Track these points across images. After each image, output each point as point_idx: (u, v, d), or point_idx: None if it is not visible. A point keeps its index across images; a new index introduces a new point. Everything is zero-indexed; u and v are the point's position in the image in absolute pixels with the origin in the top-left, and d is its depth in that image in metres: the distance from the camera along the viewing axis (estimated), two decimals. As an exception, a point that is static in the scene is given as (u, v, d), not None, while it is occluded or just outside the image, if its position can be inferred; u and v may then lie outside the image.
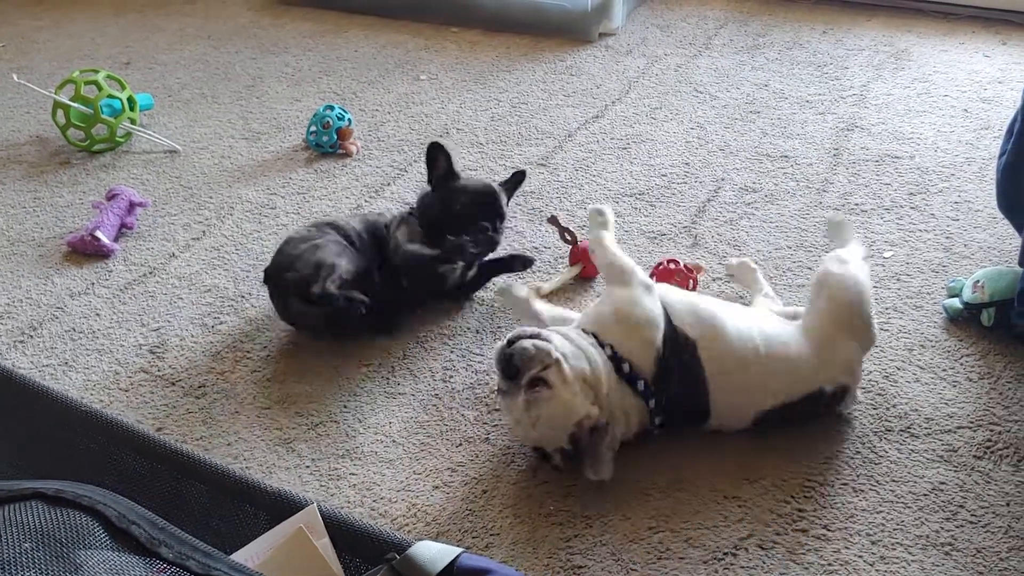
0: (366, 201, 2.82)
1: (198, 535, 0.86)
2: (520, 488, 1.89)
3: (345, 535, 0.83)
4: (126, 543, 0.74)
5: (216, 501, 0.90)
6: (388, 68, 3.68)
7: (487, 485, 1.90)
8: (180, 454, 0.93)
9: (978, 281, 2.18)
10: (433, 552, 0.77)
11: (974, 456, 1.89)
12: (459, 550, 0.79)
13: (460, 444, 1.99)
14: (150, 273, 2.58)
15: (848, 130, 3.05)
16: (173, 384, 2.19)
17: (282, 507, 0.86)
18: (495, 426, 2.03)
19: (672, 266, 2.32)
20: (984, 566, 1.69)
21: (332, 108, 3.06)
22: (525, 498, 1.87)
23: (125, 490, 0.85)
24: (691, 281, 2.31)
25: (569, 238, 2.46)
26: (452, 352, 2.23)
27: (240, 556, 0.81)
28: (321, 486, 1.92)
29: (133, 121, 3.19)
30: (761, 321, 1.96)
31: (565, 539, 1.79)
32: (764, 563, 1.71)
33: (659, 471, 1.89)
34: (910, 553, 1.72)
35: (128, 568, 0.73)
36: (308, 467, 1.97)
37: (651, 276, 2.31)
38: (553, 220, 2.50)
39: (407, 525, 1.83)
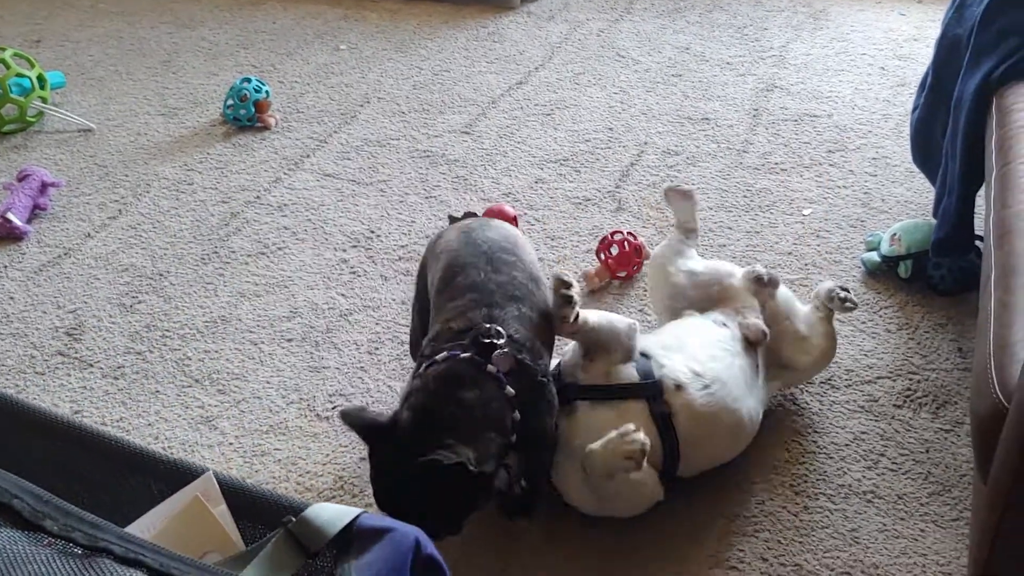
0: (285, 174, 2.77)
1: (97, 509, 0.83)
2: (447, 456, 1.87)
3: (242, 501, 0.81)
4: (8, 518, 0.72)
5: (112, 474, 0.87)
6: (307, 39, 3.62)
7: (414, 454, 1.88)
8: (73, 427, 0.90)
9: (895, 234, 2.21)
10: (331, 513, 0.75)
11: (894, 405, 1.92)
12: (358, 511, 0.77)
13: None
14: (65, 254, 2.51)
15: (768, 90, 3.07)
16: (91, 366, 2.14)
17: (179, 476, 0.84)
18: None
19: (616, 244, 2.30)
20: (906, 512, 1.72)
21: (249, 81, 3.00)
22: (452, 465, 1.85)
23: (19, 468, 0.82)
24: (635, 265, 2.30)
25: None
26: (378, 324, 2.21)
27: (136, 527, 0.79)
28: (245, 463, 1.89)
29: (44, 100, 3.09)
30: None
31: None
32: (690, 516, 1.72)
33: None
34: (833, 502, 1.74)
35: (11, 544, 0.70)
36: (231, 444, 1.93)
37: (597, 252, 2.31)
38: (451, 221, 2.43)
39: (335, 498, 1.81)
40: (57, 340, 2.22)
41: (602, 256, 2.30)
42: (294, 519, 0.75)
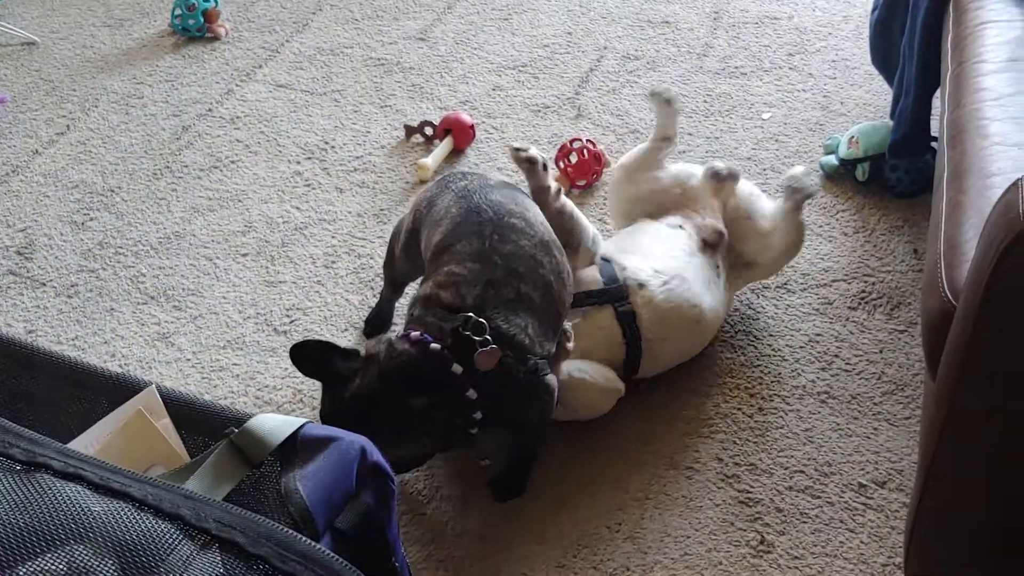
0: (237, 85, 2.70)
1: (41, 428, 0.82)
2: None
3: (186, 414, 0.81)
4: (-56, 436, 0.71)
5: (56, 391, 0.86)
6: (256, -55, 3.50)
7: (374, 366, 1.88)
8: (13, 345, 0.89)
9: (853, 137, 2.21)
10: (274, 424, 0.75)
11: (849, 307, 1.94)
12: (302, 420, 0.77)
13: (346, 329, 1.97)
14: (13, 172, 2.45)
15: (729, -8, 3.02)
16: (43, 285, 2.11)
17: (121, 391, 0.83)
18: (380, 307, 2.01)
19: (575, 152, 2.28)
20: (859, 411, 1.75)
21: (197, -11, 2.91)
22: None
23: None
24: (594, 173, 2.28)
25: (428, 128, 2.42)
26: (334, 238, 2.18)
27: (79, 443, 0.78)
28: (203, 378, 1.88)
29: (-17, 11, 2.99)
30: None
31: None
32: (647, 420, 1.74)
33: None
34: (787, 403, 1.77)
35: (-53, 462, 0.69)
36: (189, 360, 1.92)
37: (556, 160, 2.28)
38: (407, 131, 2.45)
39: (293, 411, 1.81)
40: (8, 260, 2.18)
41: (561, 164, 2.28)
42: (236, 430, 0.75)
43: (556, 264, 1.56)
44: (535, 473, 1.67)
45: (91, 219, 2.28)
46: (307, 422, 0.77)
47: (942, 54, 1.85)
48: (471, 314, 1.44)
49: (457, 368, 1.42)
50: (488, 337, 1.43)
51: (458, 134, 2.40)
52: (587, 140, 2.29)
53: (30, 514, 0.64)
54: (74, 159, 2.48)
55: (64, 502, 0.65)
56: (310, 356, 1.43)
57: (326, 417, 1.45)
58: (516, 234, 1.53)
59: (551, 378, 1.53)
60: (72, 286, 2.10)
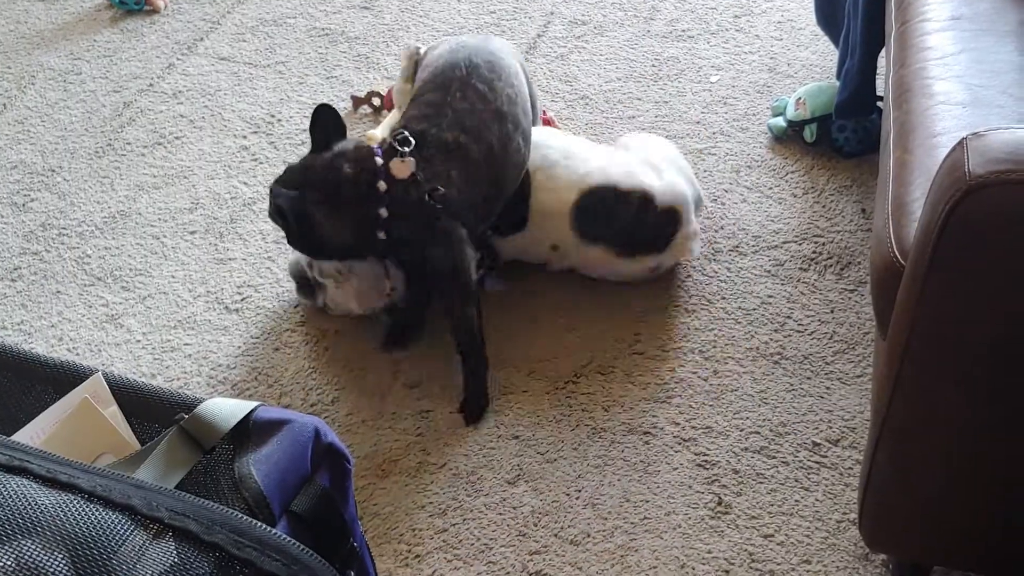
0: (178, 59, 2.64)
1: (-14, 419, 0.80)
2: (364, 341, 1.87)
3: (134, 400, 0.79)
4: None
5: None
6: (193, -86, 3.41)
7: (329, 341, 1.87)
8: (-49, 335, 0.86)
9: (800, 98, 2.22)
10: (225, 408, 0.74)
11: (800, 268, 1.96)
12: (254, 404, 0.76)
13: (298, 305, 1.95)
14: (-52, 154, 2.38)
15: (674, -45, 3.01)
16: (-15, 269, 2.06)
17: (66, 378, 0.81)
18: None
19: None
20: (811, 371, 1.77)
21: (133, -40, 2.83)
22: (369, 351, 1.85)
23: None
24: None
25: (376, 99, 2.40)
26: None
27: (23, 435, 0.76)
28: (155, 360, 1.86)
29: (-91, -12, 2.89)
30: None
31: (411, 386, 1.79)
32: (604, 387, 1.75)
33: (500, 311, 1.90)
34: (741, 365, 1.78)
35: None
36: (139, 341, 1.89)
37: None
38: (355, 102, 2.42)
39: (248, 389, 1.79)
40: (-53, 244, 2.13)
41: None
42: (186, 416, 0.73)
43: (504, 134, 1.71)
44: (494, 445, 1.68)
45: (32, 200, 2.23)
46: (259, 405, 0.76)
47: (886, 14, 1.86)
48: (403, 129, 1.66)
49: (381, 184, 1.63)
50: (406, 150, 1.63)
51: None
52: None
53: (-25, 510, 0.62)
54: (12, 139, 2.42)
55: (10, 496, 0.63)
56: (325, 122, 1.70)
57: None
58: (477, 97, 1.70)
59: (461, 231, 1.67)
60: (15, 269, 2.06)
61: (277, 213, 1.68)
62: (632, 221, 1.82)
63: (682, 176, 1.90)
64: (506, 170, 1.72)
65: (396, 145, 1.63)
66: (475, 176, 1.67)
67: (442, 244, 1.66)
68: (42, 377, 0.83)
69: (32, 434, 0.75)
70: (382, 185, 1.63)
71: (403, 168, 1.62)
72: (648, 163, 1.89)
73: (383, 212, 1.64)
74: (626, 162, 1.88)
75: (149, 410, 0.79)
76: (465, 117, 1.68)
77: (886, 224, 1.30)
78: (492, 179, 1.70)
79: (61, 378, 0.81)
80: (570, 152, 1.87)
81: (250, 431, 0.74)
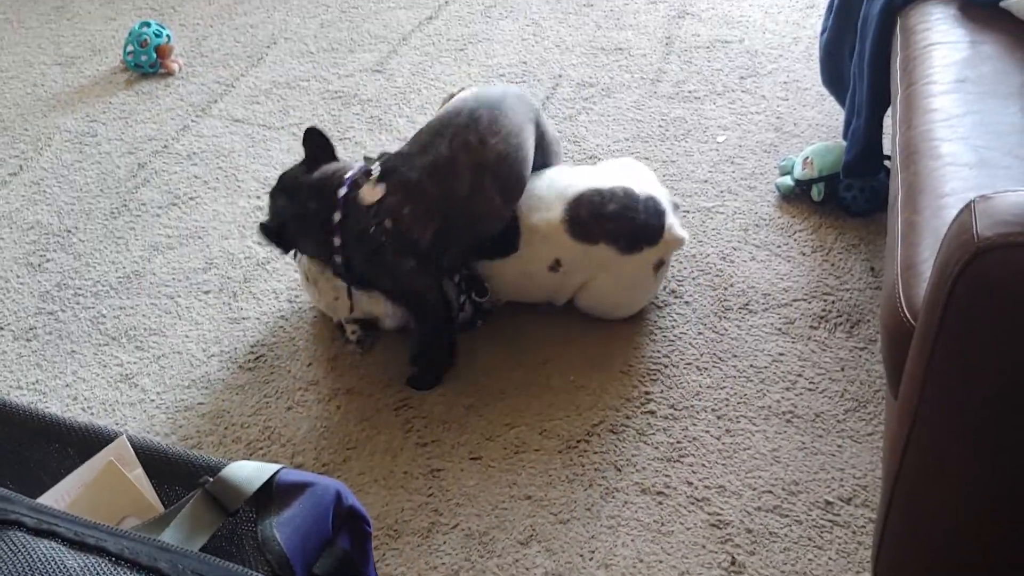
0: (193, 121, 2.69)
1: (8, 482, 0.81)
2: (375, 400, 1.87)
3: (159, 463, 0.80)
4: (-88, 496, 0.69)
5: (22, 444, 0.85)
6: (208, -21, 3.49)
7: (341, 401, 1.88)
8: (-20, 399, 0.88)
9: (807, 158, 2.24)
10: (249, 471, 0.74)
11: (810, 326, 1.97)
12: (277, 466, 0.77)
13: (311, 363, 1.96)
14: (-35, 214, 2.42)
15: (679, 17, 3.06)
16: (1, 329, 2.08)
17: (91, 442, 0.82)
18: (346, 342, 2.00)
19: None
20: (823, 429, 1.77)
21: (149, 25, 2.89)
22: (381, 409, 1.86)
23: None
24: None
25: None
26: (297, 272, 2.17)
27: (49, 497, 0.77)
28: (169, 419, 1.86)
29: (-70, 52, 2.95)
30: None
31: (423, 444, 1.79)
32: (616, 446, 1.75)
33: (511, 368, 1.91)
34: (754, 424, 1.79)
35: (-84, 522, 0.68)
36: (153, 401, 1.90)
37: None
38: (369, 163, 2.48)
39: (261, 448, 1.80)
40: (-37, 304, 2.15)
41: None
42: (211, 479, 0.74)
43: (477, 186, 1.79)
44: (507, 505, 1.67)
45: (48, 260, 2.25)
46: (282, 467, 0.77)
47: (891, 75, 1.89)
48: (378, 161, 1.83)
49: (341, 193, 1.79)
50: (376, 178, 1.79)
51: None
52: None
53: (4, 574, 0.63)
54: (28, 200, 2.45)
55: (39, 560, 0.64)
56: (313, 143, 1.88)
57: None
58: (462, 147, 1.79)
59: (409, 263, 1.79)
60: (31, 329, 2.08)
61: (264, 234, 1.90)
62: (622, 213, 1.88)
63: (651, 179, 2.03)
64: (470, 219, 1.83)
65: (365, 176, 1.81)
66: (427, 217, 1.78)
67: (389, 274, 1.82)
68: (66, 439, 0.85)
69: (58, 496, 0.76)
70: (336, 216, 1.79)
71: (374, 193, 1.78)
72: (619, 169, 2.02)
73: (336, 240, 1.80)
74: (599, 171, 2.00)
75: (173, 472, 0.80)
76: (441, 164, 1.78)
77: (896, 284, 1.32)
78: (448, 224, 1.80)
79: (85, 440, 0.82)
80: (551, 177, 1.96)
81: (273, 494, 0.75)
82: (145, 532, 0.70)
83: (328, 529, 0.76)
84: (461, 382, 1.89)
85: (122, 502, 0.76)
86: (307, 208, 1.84)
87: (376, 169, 1.81)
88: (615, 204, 1.89)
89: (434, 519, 1.67)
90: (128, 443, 0.80)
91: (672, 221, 1.93)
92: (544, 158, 1.99)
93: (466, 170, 1.78)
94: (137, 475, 0.78)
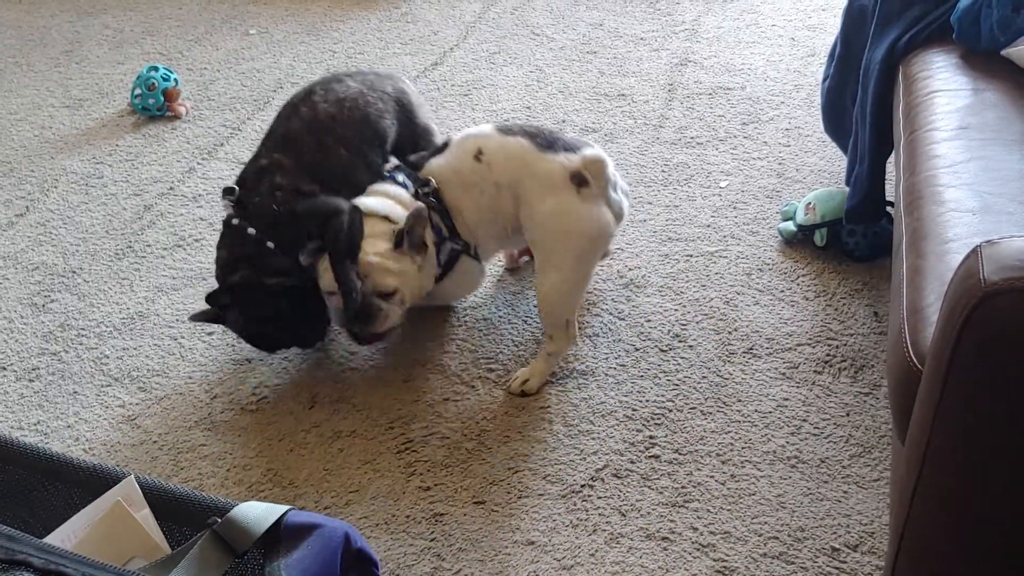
0: (199, 164, 2.71)
1: (15, 522, 0.81)
2: (378, 443, 1.86)
3: (166, 504, 0.79)
4: (-80, 535, 0.69)
5: (30, 484, 0.85)
6: (215, 24, 3.54)
7: (344, 443, 1.87)
8: (-11, 439, 0.87)
9: (810, 203, 2.25)
10: (257, 512, 0.74)
11: (814, 371, 1.97)
12: (285, 508, 0.76)
13: (313, 406, 1.95)
14: (-30, 255, 2.42)
15: (682, 65, 3.10)
16: (3, 369, 2.08)
17: (98, 482, 0.81)
18: (349, 384, 2.00)
19: None
20: (829, 475, 1.76)
21: (156, 69, 2.92)
22: (383, 452, 1.85)
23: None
24: None
25: None
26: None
27: (56, 537, 0.77)
28: (171, 460, 1.85)
29: (-61, 94, 2.98)
30: None
31: (425, 488, 1.78)
32: (620, 492, 1.74)
33: (513, 414, 1.90)
34: (759, 469, 1.78)
35: (-77, 562, 0.68)
36: (156, 442, 1.89)
37: None
38: None
39: (263, 491, 1.79)
40: (-33, 344, 2.15)
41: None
42: (219, 520, 0.74)
43: (326, 148, 1.96)
44: (510, 551, 1.66)
45: (52, 301, 2.25)
46: (290, 509, 0.77)
47: (894, 122, 1.91)
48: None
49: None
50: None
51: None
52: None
53: (11, 614, 0.62)
54: (34, 240, 2.46)
55: (46, 601, 0.64)
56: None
57: None
58: (296, 116, 2.00)
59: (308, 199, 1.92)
60: (33, 369, 2.07)
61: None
62: (550, 131, 2.01)
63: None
64: (334, 173, 1.96)
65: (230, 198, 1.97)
66: (301, 178, 1.93)
67: (308, 217, 1.92)
68: (73, 479, 0.84)
69: (64, 536, 0.75)
70: (251, 232, 1.92)
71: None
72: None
73: (272, 249, 1.93)
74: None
75: (180, 513, 0.79)
76: (288, 136, 1.98)
77: (902, 329, 1.32)
78: (325, 182, 1.94)
79: (92, 481, 0.82)
80: None
81: (281, 535, 0.74)
82: (152, 573, 0.70)
83: (336, 571, 0.76)
84: (464, 426, 1.88)
85: (129, 542, 0.76)
86: (246, 255, 1.90)
87: (230, 189, 1.95)
88: (546, 127, 2.03)
89: (436, 564, 1.65)
90: (136, 483, 0.80)
91: (611, 173, 1.98)
92: (415, 139, 2.12)
93: (306, 135, 1.96)
94: (144, 515, 0.78)
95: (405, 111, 2.12)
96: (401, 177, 2.00)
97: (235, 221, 1.92)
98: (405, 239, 1.90)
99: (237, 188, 1.95)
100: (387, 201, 1.95)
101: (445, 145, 2.04)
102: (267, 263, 1.90)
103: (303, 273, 1.91)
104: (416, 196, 1.96)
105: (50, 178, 2.70)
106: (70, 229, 2.49)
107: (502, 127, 2.01)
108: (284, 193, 1.91)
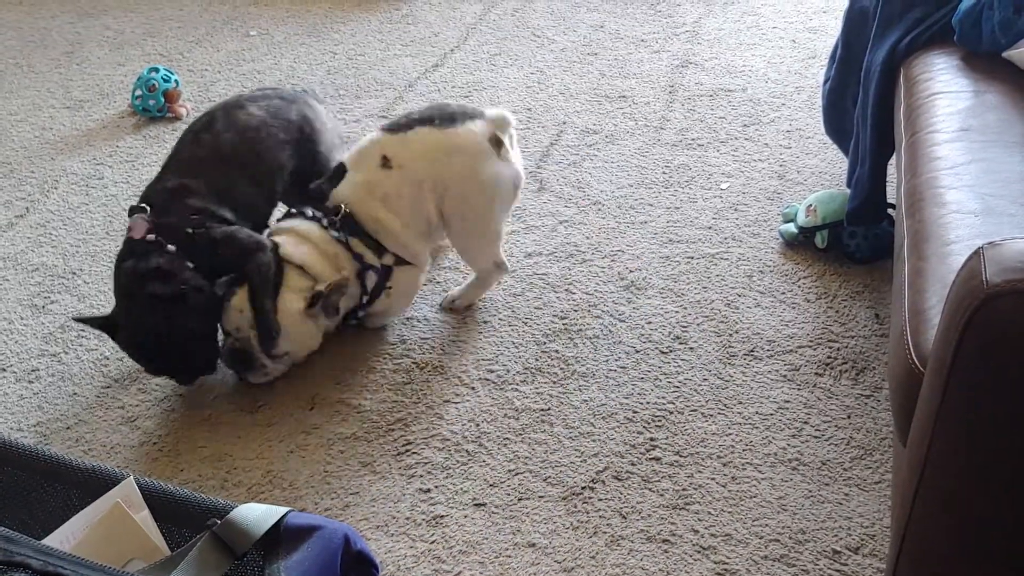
0: (200, 165, 2.70)
1: (13, 523, 0.80)
2: (377, 445, 1.86)
3: (165, 505, 0.79)
4: (-82, 537, 0.69)
5: (27, 485, 0.84)
6: (215, 25, 3.54)
7: (344, 445, 1.86)
8: (-14, 440, 0.87)
9: (811, 205, 2.25)
10: (257, 514, 0.74)
11: (815, 373, 1.96)
12: (285, 509, 0.76)
13: (313, 408, 1.95)
14: (-30, 256, 2.42)
15: (683, 67, 3.10)
16: (3, 371, 2.07)
17: (97, 483, 0.81)
18: (348, 386, 1.99)
19: None
20: (830, 477, 1.76)
21: (157, 70, 2.92)
22: (383, 454, 1.84)
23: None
24: None
25: None
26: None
27: (54, 538, 0.76)
28: (171, 462, 1.85)
29: (-60, 95, 2.97)
30: None
31: (425, 490, 1.77)
32: (621, 494, 1.73)
33: (512, 416, 1.90)
34: (760, 471, 1.77)
35: (-79, 564, 0.67)
36: (155, 443, 1.89)
37: None
38: None
39: (263, 492, 1.78)
40: (-34, 345, 2.14)
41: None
42: (219, 521, 0.73)
43: (229, 176, 1.95)
44: (511, 553, 1.66)
45: (52, 302, 2.25)
46: (290, 511, 0.76)
47: (895, 124, 1.90)
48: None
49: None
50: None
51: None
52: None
53: (9, 617, 0.62)
54: (34, 241, 2.46)
55: (44, 603, 0.63)
56: None
57: None
58: (197, 144, 1.99)
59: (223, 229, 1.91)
60: (33, 371, 2.07)
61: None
62: (440, 107, 2.08)
63: None
64: (248, 181, 1.98)
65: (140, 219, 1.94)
66: (209, 197, 1.92)
67: (224, 244, 1.91)
68: (71, 480, 0.84)
69: (63, 538, 0.75)
70: (163, 258, 1.89)
71: (139, 226, 1.90)
72: None
73: (188, 271, 1.91)
74: None
75: (179, 515, 0.79)
76: (189, 160, 1.97)
77: (904, 331, 1.31)
78: (235, 199, 1.96)
79: (91, 482, 0.82)
80: None
81: (281, 537, 0.74)
82: (152, 575, 0.69)
83: (336, 573, 0.75)
84: (464, 428, 1.88)
85: (128, 544, 0.76)
86: (161, 270, 1.86)
87: (140, 208, 1.93)
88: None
89: (436, 566, 1.65)
90: (135, 484, 0.79)
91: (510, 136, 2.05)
92: (316, 166, 2.09)
93: (212, 161, 1.95)
94: (143, 517, 0.77)
95: (308, 139, 2.09)
96: (310, 211, 1.99)
97: (151, 237, 1.87)
98: (319, 303, 1.91)
99: (148, 207, 1.92)
100: (303, 247, 1.95)
101: (341, 168, 2.02)
102: (184, 281, 1.86)
103: (212, 301, 1.91)
104: (330, 226, 1.96)
105: (50, 179, 2.69)
106: (70, 230, 2.49)
107: (390, 126, 2.03)
108: (201, 216, 1.90)
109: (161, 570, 0.71)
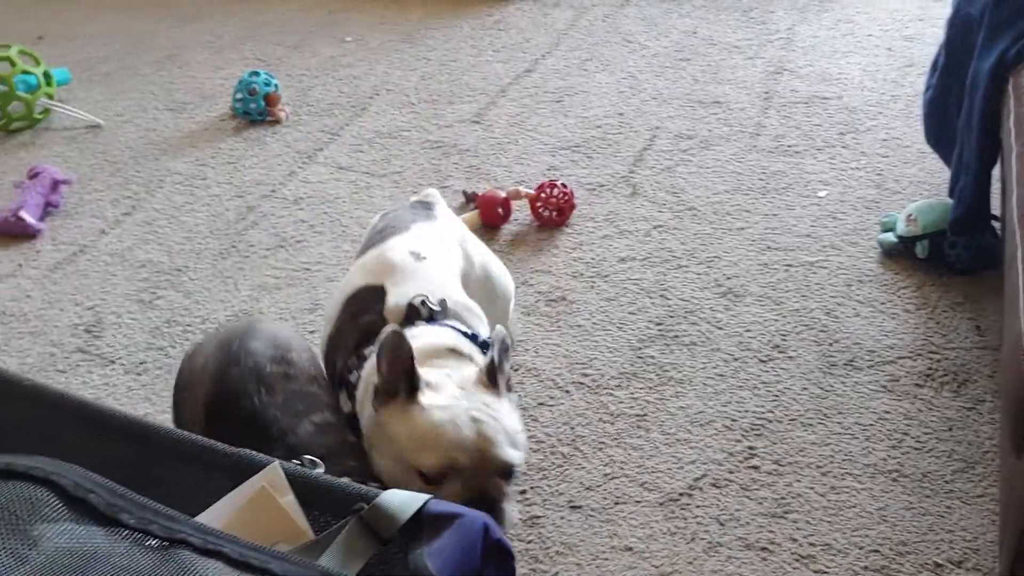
0: (299, 167, 2.77)
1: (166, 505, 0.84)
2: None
3: (309, 491, 0.82)
4: (85, 512, 0.72)
5: (172, 468, 0.88)
6: (312, 31, 3.62)
7: (441, 443, 1.89)
8: (132, 423, 0.91)
9: (911, 215, 2.22)
10: (401, 499, 0.76)
11: (916, 384, 1.94)
12: (427, 496, 0.78)
13: (411, 404, 1.98)
14: (80, 251, 2.51)
15: (777, 73, 3.08)
16: (112, 363, 2.15)
17: (242, 469, 0.84)
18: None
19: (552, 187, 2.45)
20: (931, 489, 1.74)
21: (258, 74, 3.00)
22: (480, 453, 1.86)
23: (79, 464, 0.83)
24: (548, 211, 2.45)
25: (471, 196, 2.53)
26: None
27: (202, 519, 0.79)
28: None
29: (50, 96, 3.09)
30: None
31: (520, 491, 1.79)
32: (719, 501, 1.73)
33: (608, 421, 1.91)
34: (859, 482, 1.75)
35: (89, 537, 0.71)
36: (258, 437, 1.94)
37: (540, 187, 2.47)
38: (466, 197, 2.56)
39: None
40: (77, 337, 2.22)
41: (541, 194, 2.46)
42: (367, 506, 0.76)
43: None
44: (607, 556, 1.67)
45: (158, 297, 2.33)
46: (431, 498, 0.79)
47: (1004, 133, 1.87)
48: None
49: None
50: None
51: (484, 210, 2.45)
52: (563, 188, 2.46)
53: (174, 591, 0.65)
54: (140, 239, 2.54)
55: (205, 579, 0.66)
56: None
57: None
58: (285, 380, 1.44)
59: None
60: (141, 363, 2.14)
61: None
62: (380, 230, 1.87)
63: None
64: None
65: None
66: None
67: None
68: (213, 464, 0.87)
69: (210, 520, 0.78)
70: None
71: None
72: None
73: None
74: None
75: (323, 500, 0.82)
76: (291, 405, 1.40)
77: (1019, 343, 1.29)
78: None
79: (238, 467, 0.85)
80: None
81: (423, 524, 0.76)
82: (302, 557, 0.72)
83: (477, 562, 0.77)
84: (558, 431, 1.89)
85: (273, 528, 0.79)
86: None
87: None
88: None
89: (533, 566, 1.66)
90: (280, 469, 0.82)
91: None
92: None
93: (294, 383, 1.46)
94: (289, 501, 0.80)
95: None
96: None
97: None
98: None
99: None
100: None
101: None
102: None
103: None
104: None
105: (155, 178, 2.78)
106: (175, 228, 2.57)
107: (363, 268, 1.75)
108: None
109: (309, 553, 0.74)
